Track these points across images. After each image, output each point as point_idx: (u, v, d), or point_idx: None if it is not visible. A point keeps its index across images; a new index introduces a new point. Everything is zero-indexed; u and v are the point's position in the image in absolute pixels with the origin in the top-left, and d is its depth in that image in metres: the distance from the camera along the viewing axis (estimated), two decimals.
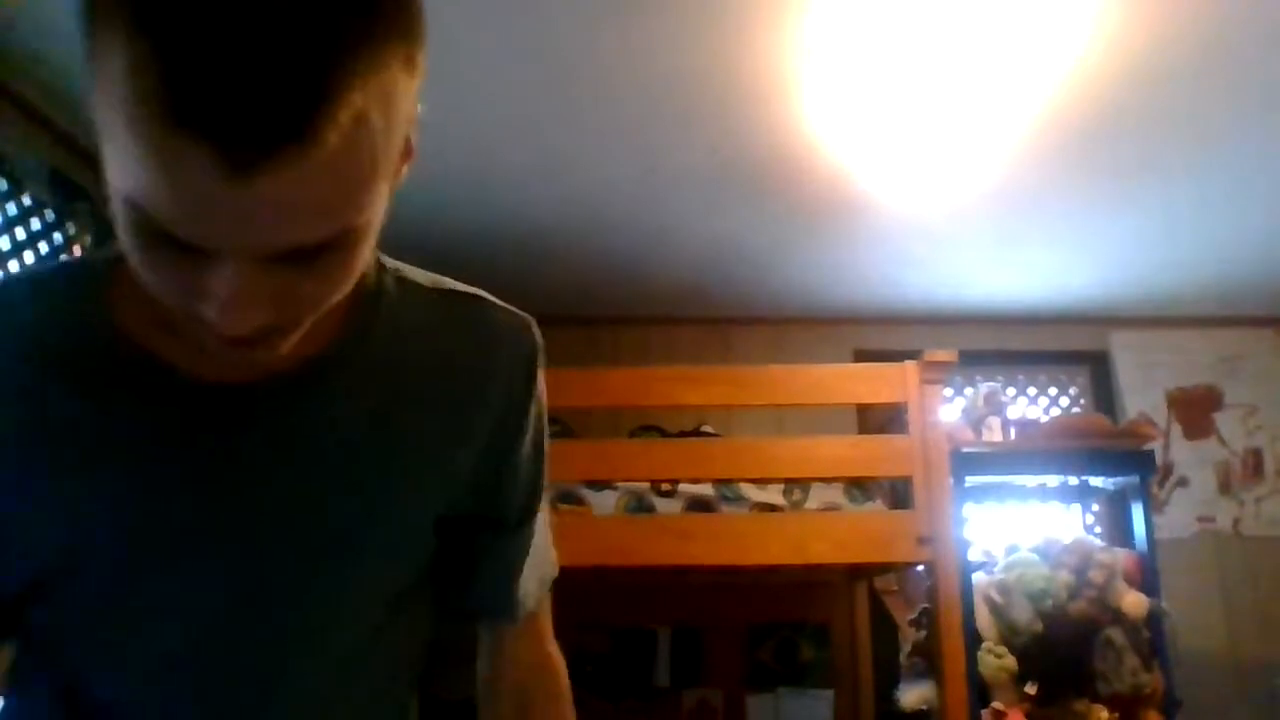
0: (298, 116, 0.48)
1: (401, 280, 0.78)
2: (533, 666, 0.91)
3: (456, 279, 0.85)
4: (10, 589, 0.70)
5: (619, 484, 2.57)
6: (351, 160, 0.52)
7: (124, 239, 0.57)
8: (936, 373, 2.62)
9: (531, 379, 0.84)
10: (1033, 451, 2.99)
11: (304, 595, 0.73)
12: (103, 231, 2.75)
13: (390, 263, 0.79)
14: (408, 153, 0.61)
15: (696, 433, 2.99)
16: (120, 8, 0.48)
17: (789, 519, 2.54)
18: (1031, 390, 3.98)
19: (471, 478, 0.80)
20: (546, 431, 0.87)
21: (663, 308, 3.81)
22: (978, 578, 2.80)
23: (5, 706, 0.78)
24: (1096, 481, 3.12)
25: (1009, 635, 2.73)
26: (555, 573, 0.94)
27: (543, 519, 0.90)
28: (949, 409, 3.15)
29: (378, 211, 0.58)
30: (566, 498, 2.56)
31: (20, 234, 2.46)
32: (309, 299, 0.59)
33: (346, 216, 0.55)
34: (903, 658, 2.99)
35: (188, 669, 0.72)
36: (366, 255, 0.61)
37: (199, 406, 0.68)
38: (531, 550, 0.88)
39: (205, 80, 0.47)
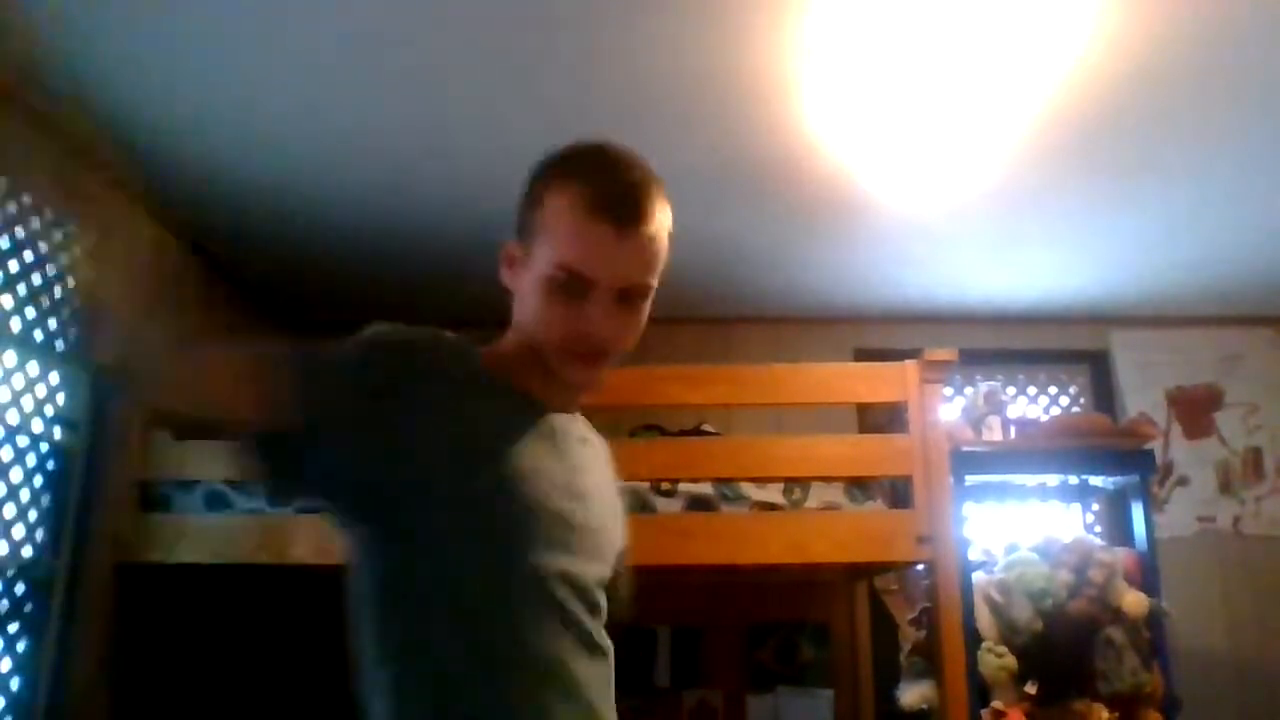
0: (643, 218, 1.09)
1: None
2: None
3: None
4: (392, 482, 1.02)
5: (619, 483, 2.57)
6: (656, 243, 1.11)
7: (539, 295, 1.09)
8: (936, 372, 2.62)
9: None
10: (1033, 451, 2.99)
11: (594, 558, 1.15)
12: (102, 232, 2.75)
13: None
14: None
15: (696, 432, 2.99)
16: (572, 179, 1.10)
17: (789, 518, 2.54)
18: (1031, 389, 3.98)
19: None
20: None
21: (663, 308, 3.79)
22: (978, 577, 2.80)
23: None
24: (1096, 481, 3.12)
25: (1009, 634, 2.73)
26: None
27: None
28: (949, 408, 3.15)
29: (651, 295, 1.14)
30: None
31: (20, 234, 2.46)
32: (623, 335, 1.11)
33: (653, 273, 1.12)
34: (903, 657, 2.99)
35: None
36: (644, 323, 1.14)
37: (539, 412, 1.15)
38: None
39: (610, 201, 1.07)
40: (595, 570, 1.12)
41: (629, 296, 1.09)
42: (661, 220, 1.12)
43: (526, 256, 1.11)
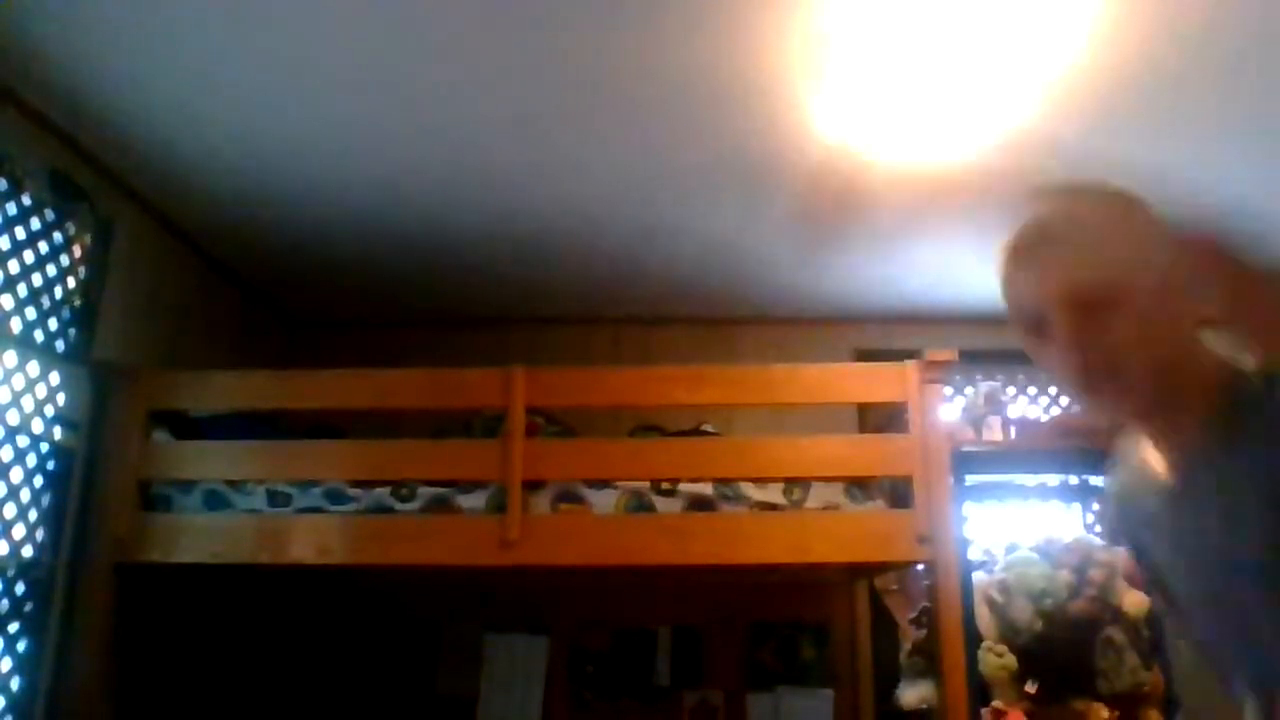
0: (1032, 236, 1.13)
1: None
2: None
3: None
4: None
5: (619, 483, 2.57)
6: (1075, 246, 1.05)
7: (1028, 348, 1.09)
8: (936, 372, 2.62)
9: None
10: (1033, 450, 3.00)
11: None
12: (102, 232, 2.75)
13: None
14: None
15: (697, 432, 2.99)
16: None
17: (789, 518, 2.54)
18: (1031, 389, 3.98)
19: None
20: None
21: (663, 308, 3.81)
22: (978, 577, 2.80)
23: None
24: (1096, 480, 3.12)
25: (1009, 634, 2.73)
26: None
27: None
28: (949, 408, 3.15)
29: (1141, 299, 0.99)
30: (567, 497, 2.56)
31: (20, 234, 2.46)
32: (1116, 351, 0.98)
33: (1093, 272, 1.01)
34: (903, 657, 2.99)
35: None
36: (1156, 331, 0.99)
37: None
38: None
39: (1011, 242, 1.11)
40: None
41: (1090, 310, 1.01)
42: (1074, 221, 1.10)
43: None
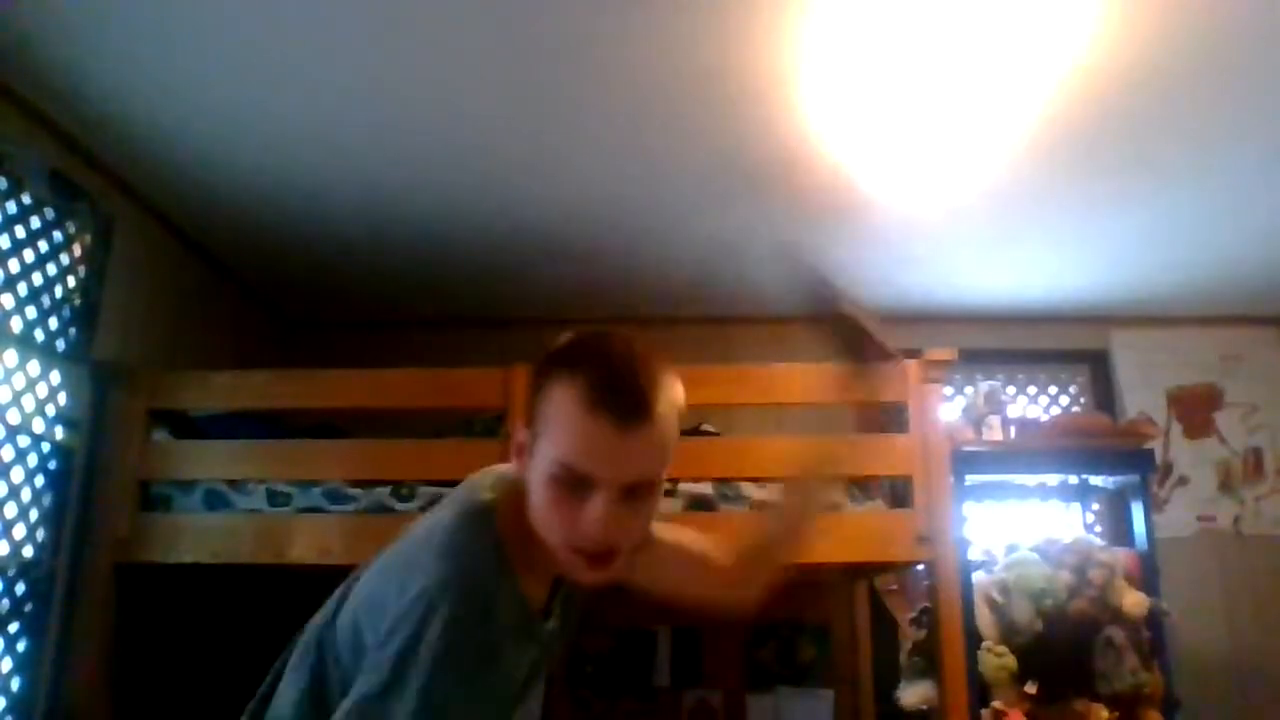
0: (645, 414, 1.03)
1: None
2: None
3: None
4: None
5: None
6: (662, 439, 1.05)
7: (542, 491, 1.06)
8: (936, 372, 2.61)
9: None
10: (1033, 450, 3.00)
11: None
12: (102, 232, 2.75)
13: None
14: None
15: (696, 432, 2.99)
16: (571, 372, 1.04)
17: None
18: (1031, 389, 3.98)
19: None
20: None
21: (663, 308, 3.81)
22: (978, 577, 2.80)
23: None
24: (1096, 480, 3.12)
25: (1009, 634, 2.73)
26: None
27: None
28: (949, 408, 3.15)
29: (663, 485, 1.10)
30: None
31: (20, 233, 2.46)
32: (633, 530, 1.07)
33: (661, 466, 1.07)
34: (903, 657, 2.99)
35: None
36: (654, 514, 1.11)
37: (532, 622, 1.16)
38: None
39: (611, 396, 1.01)
40: None
41: (635, 493, 1.04)
42: (668, 411, 1.05)
43: (531, 445, 1.07)
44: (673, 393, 1.07)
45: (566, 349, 1.09)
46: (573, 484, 1.03)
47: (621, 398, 1.01)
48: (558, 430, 1.03)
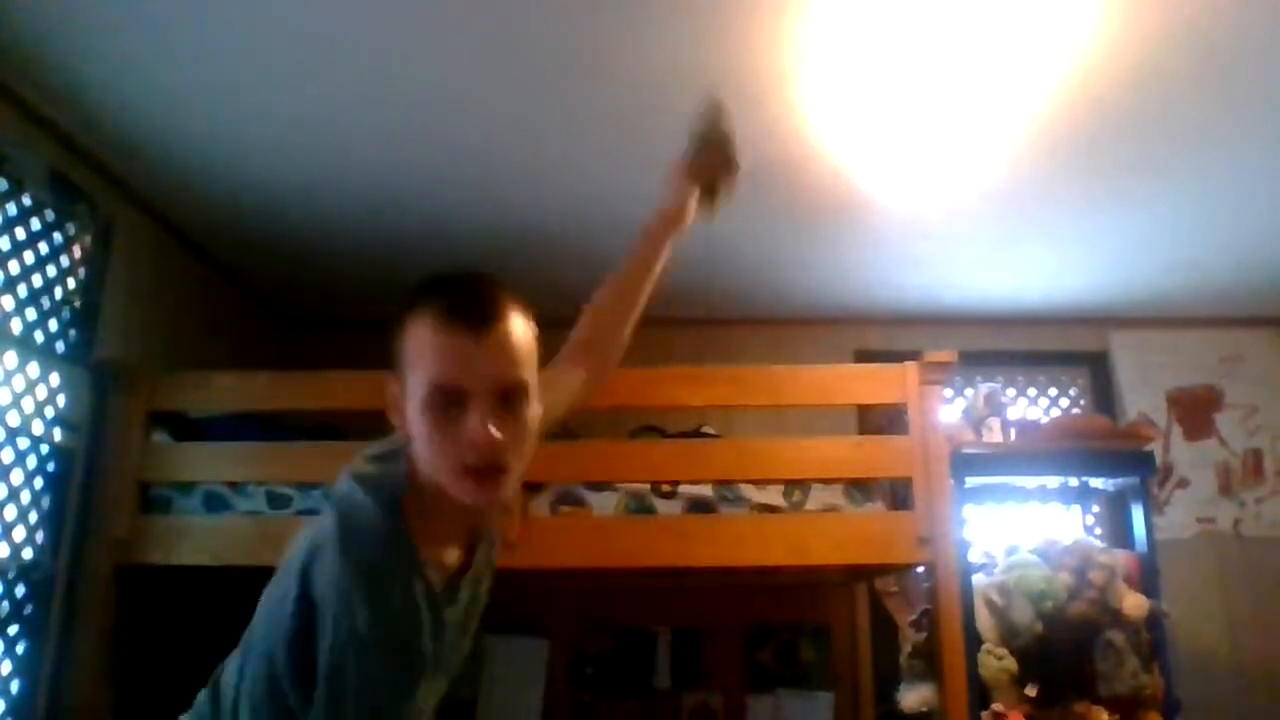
0: (495, 317, 1.10)
1: None
2: None
3: None
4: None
5: (619, 485, 2.56)
6: (518, 340, 1.11)
7: (421, 422, 1.08)
8: (936, 373, 2.61)
9: None
10: (1033, 452, 2.99)
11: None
12: (102, 233, 2.75)
13: None
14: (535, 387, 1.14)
15: (697, 433, 2.99)
16: (420, 306, 1.12)
17: (789, 520, 2.53)
18: (1031, 391, 3.98)
19: None
20: None
21: (663, 308, 3.79)
22: (978, 579, 2.80)
23: None
24: (1096, 482, 3.12)
25: (1009, 637, 2.73)
26: None
27: None
28: (949, 409, 3.15)
29: (535, 393, 1.13)
30: (567, 499, 2.55)
31: (20, 235, 2.46)
32: (513, 441, 1.09)
33: (523, 369, 1.11)
34: (903, 659, 2.98)
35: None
36: (535, 423, 1.14)
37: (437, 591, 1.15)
38: None
39: (464, 312, 1.09)
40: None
41: (508, 399, 1.08)
42: (518, 319, 1.12)
43: (403, 389, 1.11)
44: (517, 303, 1.14)
45: (416, 288, 1.15)
46: (446, 404, 1.06)
47: (470, 306, 1.09)
48: (420, 358, 1.08)
